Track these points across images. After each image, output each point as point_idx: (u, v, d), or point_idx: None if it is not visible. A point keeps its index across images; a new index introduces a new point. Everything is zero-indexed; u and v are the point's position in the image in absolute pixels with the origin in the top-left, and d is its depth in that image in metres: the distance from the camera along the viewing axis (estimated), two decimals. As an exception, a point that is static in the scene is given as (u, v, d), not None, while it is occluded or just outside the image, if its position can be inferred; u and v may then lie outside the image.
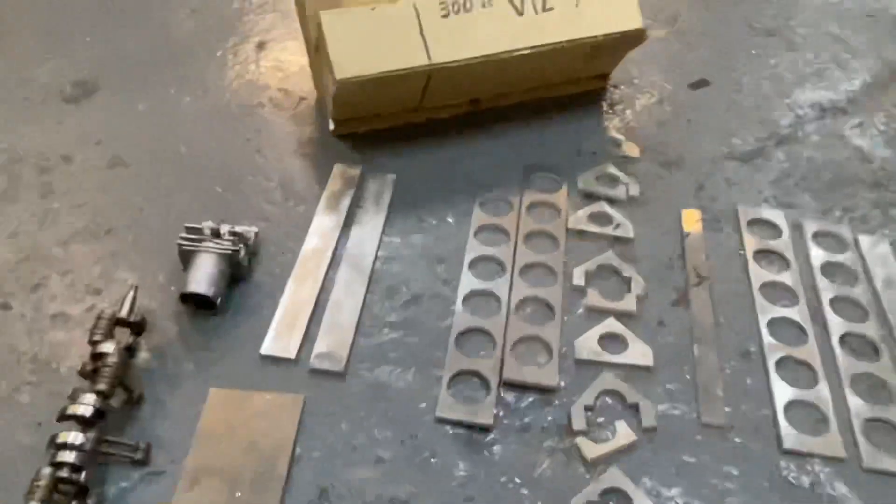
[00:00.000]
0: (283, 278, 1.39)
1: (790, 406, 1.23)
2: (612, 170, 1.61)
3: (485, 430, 1.20)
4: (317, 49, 1.57)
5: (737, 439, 1.20)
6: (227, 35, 1.93)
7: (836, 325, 1.35)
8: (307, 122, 1.71)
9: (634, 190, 1.57)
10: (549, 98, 1.76)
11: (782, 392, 1.25)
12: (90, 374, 1.16)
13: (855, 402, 1.24)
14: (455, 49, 1.51)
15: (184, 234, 1.35)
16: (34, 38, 1.88)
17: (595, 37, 1.57)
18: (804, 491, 1.15)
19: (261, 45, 1.91)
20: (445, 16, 1.51)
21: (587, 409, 1.22)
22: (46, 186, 1.53)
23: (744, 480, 1.16)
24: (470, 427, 1.20)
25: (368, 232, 1.48)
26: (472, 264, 1.43)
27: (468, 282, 1.40)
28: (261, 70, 1.84)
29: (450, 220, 1.51)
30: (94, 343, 1.18)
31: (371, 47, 1.47)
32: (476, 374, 1.27)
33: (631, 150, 1.67)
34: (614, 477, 1.15)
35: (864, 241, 1.49)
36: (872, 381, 1.28)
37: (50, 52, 1.84)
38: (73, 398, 1.12)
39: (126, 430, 1.17)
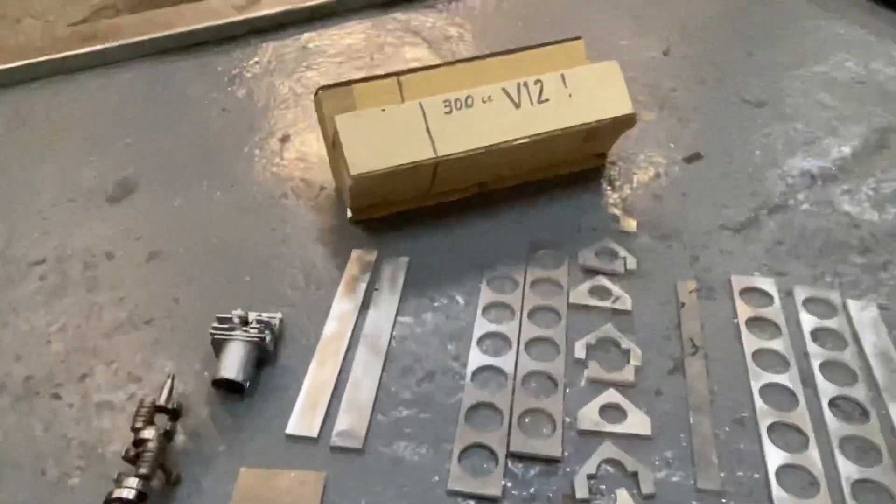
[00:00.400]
0: (305, 361, 1.51)
1: (782, 470, 1.30)
2: (611, 244, 1.72)
3: (494, 501, 1.29)
4: (334, 145, 1.71)
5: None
6: (254, 130, 2.10)
7: (826, 389, 1.42)
8: (327, 211, 1.85)
9: (632, 264, 1.67)
10: (550, 177, 1.88)
11: (774, 456, 1.32)
12: (133, 458, 1.28)
13: (844, 464, 1.31)
14: (459, 142, 1.64)
15: (215, 324, 1.48)
16: (79, 142, 2.06)
17: (588, 123, 1.70)
18: (797, 553, 1.22)
19: (284, 139, 2.07)
20: (449, 112, 1.65)
21: (590, 477, 1.31)
22: (91, 281, 1.68)
23: (738, 544, 1.23)
24: (480, 499, 1.29)
25: (384, 313, 1.60)
26: (480, 341, 1.54)
27: (476, 358, 1.51)
28: (284, 162, 1.99)
29: (459, 298, 1.63)
30: (136, 430, 1.30)
31: (382, 145, 1.62)
32: (485, 446, 1.36)
33: (628, 224, 1.77)
34: (615, 543, 1.23)
35: (853, 305, 1.57)
36: (861, 443, 1.34)
37: (94, 154, 2.02)
38: (118, 482, 1.23)
39: (165, 510, 1.29)
